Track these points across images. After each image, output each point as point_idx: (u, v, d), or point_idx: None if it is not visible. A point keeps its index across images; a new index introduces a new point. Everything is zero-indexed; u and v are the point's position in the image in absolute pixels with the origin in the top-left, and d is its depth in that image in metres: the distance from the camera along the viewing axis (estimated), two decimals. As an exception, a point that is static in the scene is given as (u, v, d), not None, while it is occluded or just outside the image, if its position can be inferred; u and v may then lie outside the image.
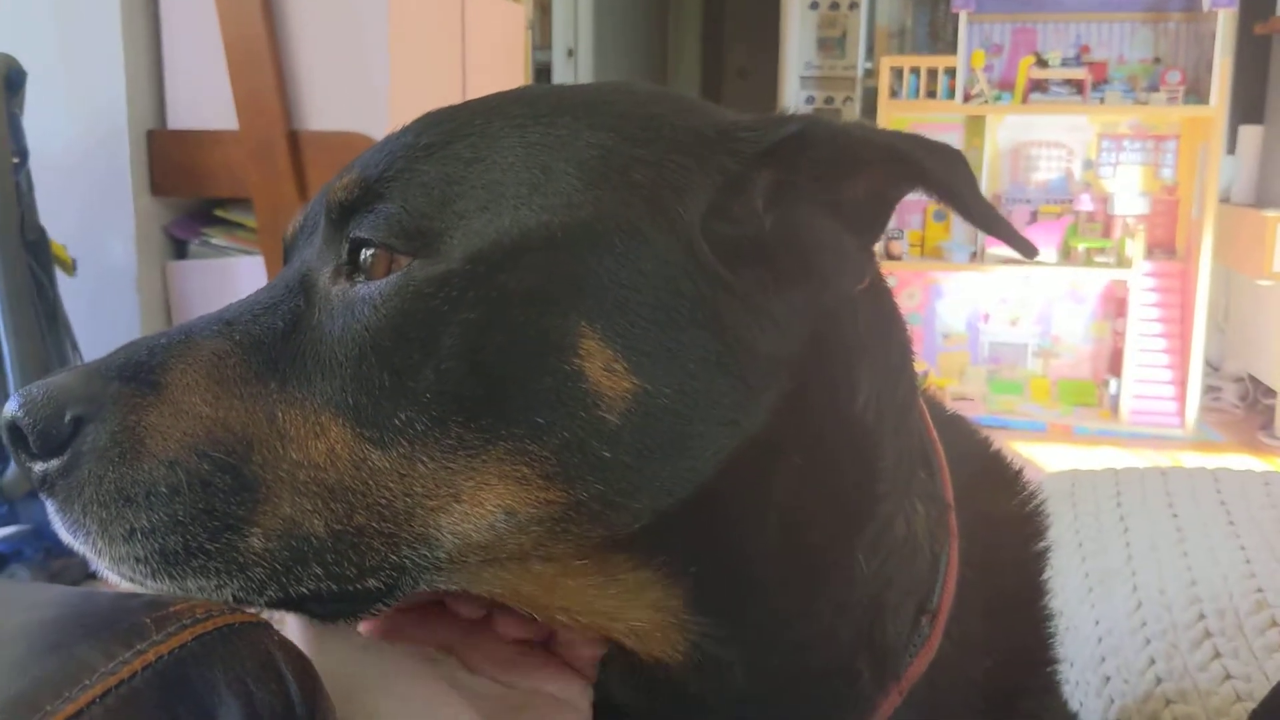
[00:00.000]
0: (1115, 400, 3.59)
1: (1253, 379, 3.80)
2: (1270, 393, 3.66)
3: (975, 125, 3.73)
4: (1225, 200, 3.64)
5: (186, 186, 2.49)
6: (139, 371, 0.51)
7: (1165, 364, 3.58)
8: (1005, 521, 0.68)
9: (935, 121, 3.72)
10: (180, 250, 2.53)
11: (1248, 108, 3.70)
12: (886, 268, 3.60)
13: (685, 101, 0.59)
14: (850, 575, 0.57)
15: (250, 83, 2.36)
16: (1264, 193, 3.72)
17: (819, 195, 0.54)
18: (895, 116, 3.65)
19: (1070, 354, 3.70)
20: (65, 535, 0.49)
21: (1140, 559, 1.14)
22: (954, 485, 0.64)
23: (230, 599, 0.47)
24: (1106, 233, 3.64)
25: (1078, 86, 3.50)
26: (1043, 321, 3.71)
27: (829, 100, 4.32)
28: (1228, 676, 0.93)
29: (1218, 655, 0.96)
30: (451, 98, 2.16)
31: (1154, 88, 3.48)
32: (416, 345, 0.50)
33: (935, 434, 0.66)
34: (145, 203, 2.46)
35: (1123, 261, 3.54)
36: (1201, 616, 1.02)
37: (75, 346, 2.22)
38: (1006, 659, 0.65)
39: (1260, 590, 1.04)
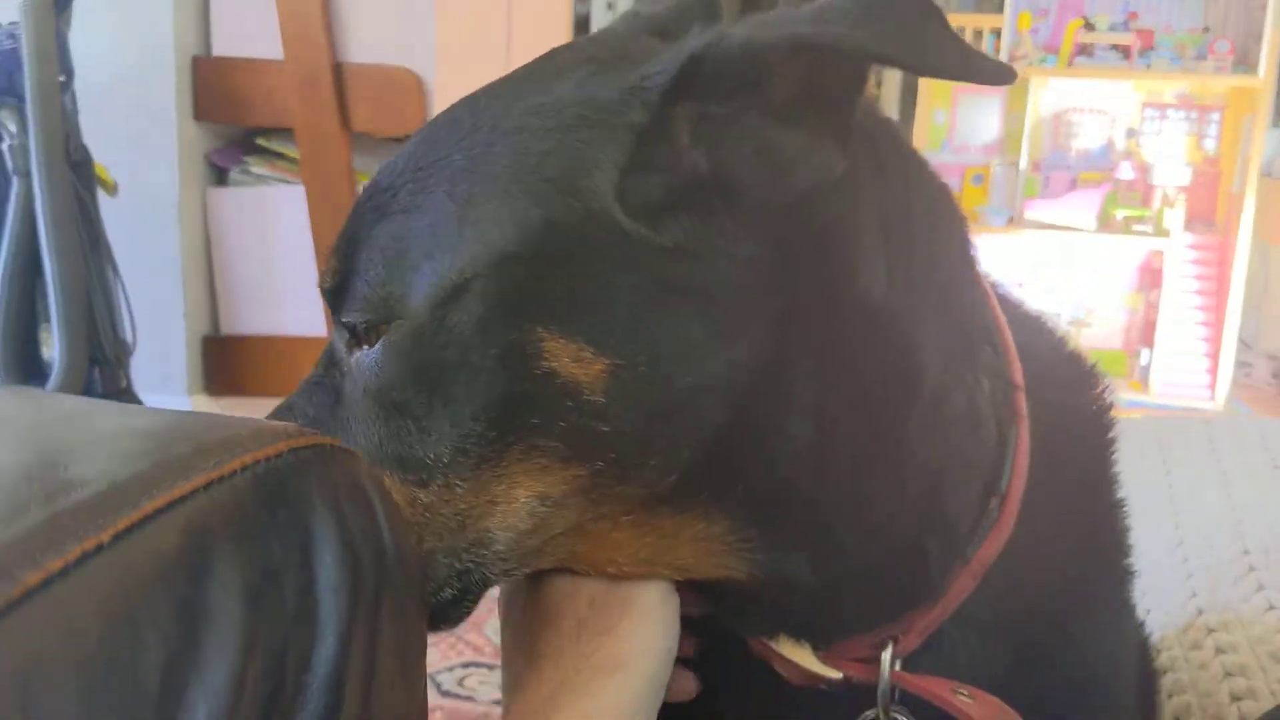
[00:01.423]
0: (1146, 371, 3.56)
1: (1286, 356, 3.77)
2: (1304, 370, 3.63)
3: (1018, 89, 3.68)
4: (1267, 174, 3.60)
5: (229, 114, 2.50)
6: None
7: (1199, 337, 3.55)
8: (1078, 412, 0.68)
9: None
10: (221, 177, 2.54)
11: (1296, 81, 3.64)
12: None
13: (603, 60, 0.58)
14: (902, 454, 0.58)
15: (296, 12, 2.36)
16: (1308, 168, 3.67)
17: (742, 112, 0.53)
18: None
19: (1103, 323, 3.67)
20: None
21: (1183, 499, 1.13)
22: (1027, 372, 0.64)
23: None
24: (1145, 202, 3.61)
25: (1124, 52, 3.46)
26: (1077, 289, 3.68)
27: (870, 60, 4.27)
28: (1270, 607, 0.93)
29: (1261, 588, 0.96)
30: (495, 38, 2.16)
31: (1202, 57, 3.43)
32: (419, 393, 0.55)
33: (1004, 319, 0.65)
34: (188, 129, 2.47)
35: (1161, 232, 3.50)
36: (1245, 552, 1.02)
37: (115, 269, 2.23)
38: (1081, 547, 0.65)
39: (1304, 530, 1.04)
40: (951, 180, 3.75)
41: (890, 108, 4.36)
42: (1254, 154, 3.38)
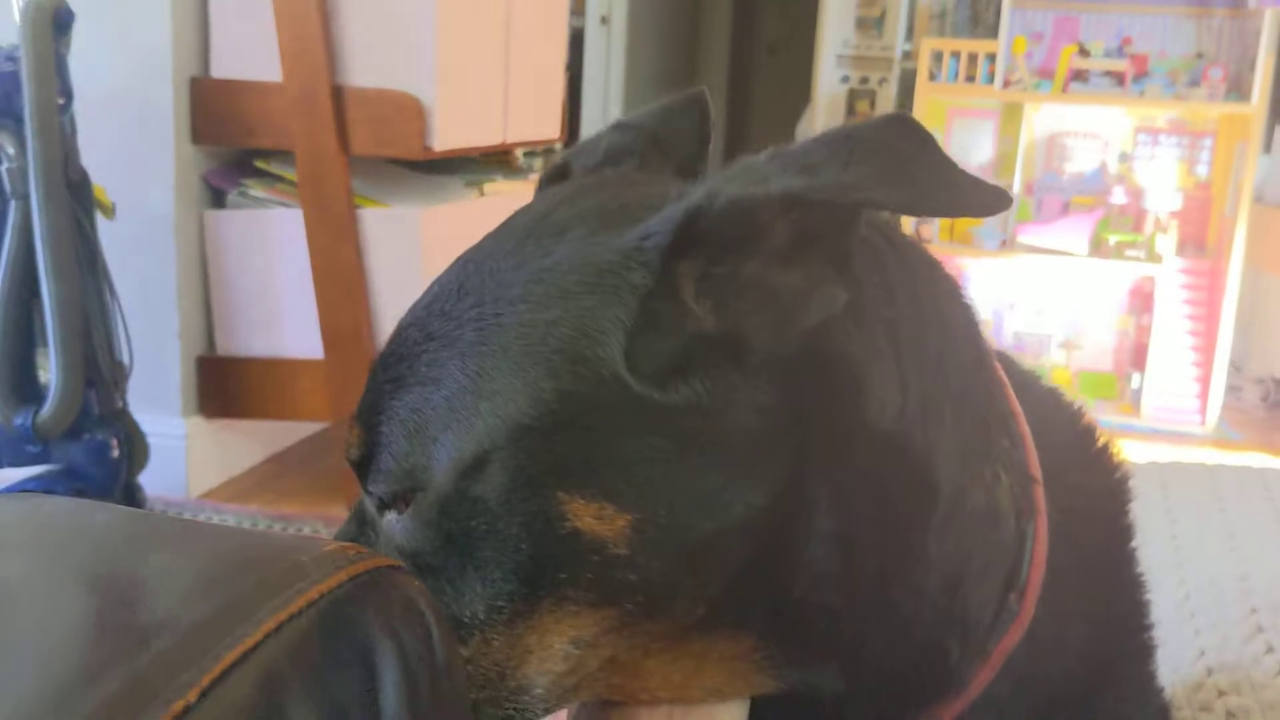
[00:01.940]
0: (1137, 395, 3.58)
1: (1275, 380, 3.79)
2: (1292, 395, 3.65)
3: (1012, 113, 3.71)
4: (1258, 200, 3.62)
5: (227, 136, 2.49)
6: None
7: (1189, 361, 3.57)
8: (1094, 494, 0.69)
9: (973, 107, 3.71)
10: (219, 199, 2.53)
11: (1287, 107, 3.68)
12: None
13: (600, 216, 0.59)
14: (922, 562, 0.58)
15: (296, 34, 2.35)
16: (1298, 194, 3.70)
17: (741, 265, 0.55)
18: (932, 99, 3.64)
19: (1094, 346, 3.70)
20: None
21: (1188, 551, 1.14)
22: (1043, 458, 0.64)
23: None
24: (1138, 227, 3.63)
25: (1118, 78, 3.48)
26: (1069, 312, 3.70)
27: (864, 80, 4.30)
28: (1281, 671, 0.94)
29: (1270, 650, 0.97)
30: (495, 60, 2.16)
31: (1195, 83, 3.46)
32: (449, 557, 0.56)
33: (1019, 407, 0.66)
34: (185, 150, 2.46)
35: (1152, 257, 3.53)
36: (1253, 610, 1.03)
37: (113, 291, 2.22)
38: (1102, 628, 0.66)
39: (1313, 588, 1.04)
40: (945, 202, 3.78)
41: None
42: (1246, 180, 3.41)
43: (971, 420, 0.61)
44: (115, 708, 0.29)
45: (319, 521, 2.43)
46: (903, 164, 0.54)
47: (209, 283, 2.54)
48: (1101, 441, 0.72)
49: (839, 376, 0.56)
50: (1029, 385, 0.71)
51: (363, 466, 0.60)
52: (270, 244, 2.50)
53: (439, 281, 0.62)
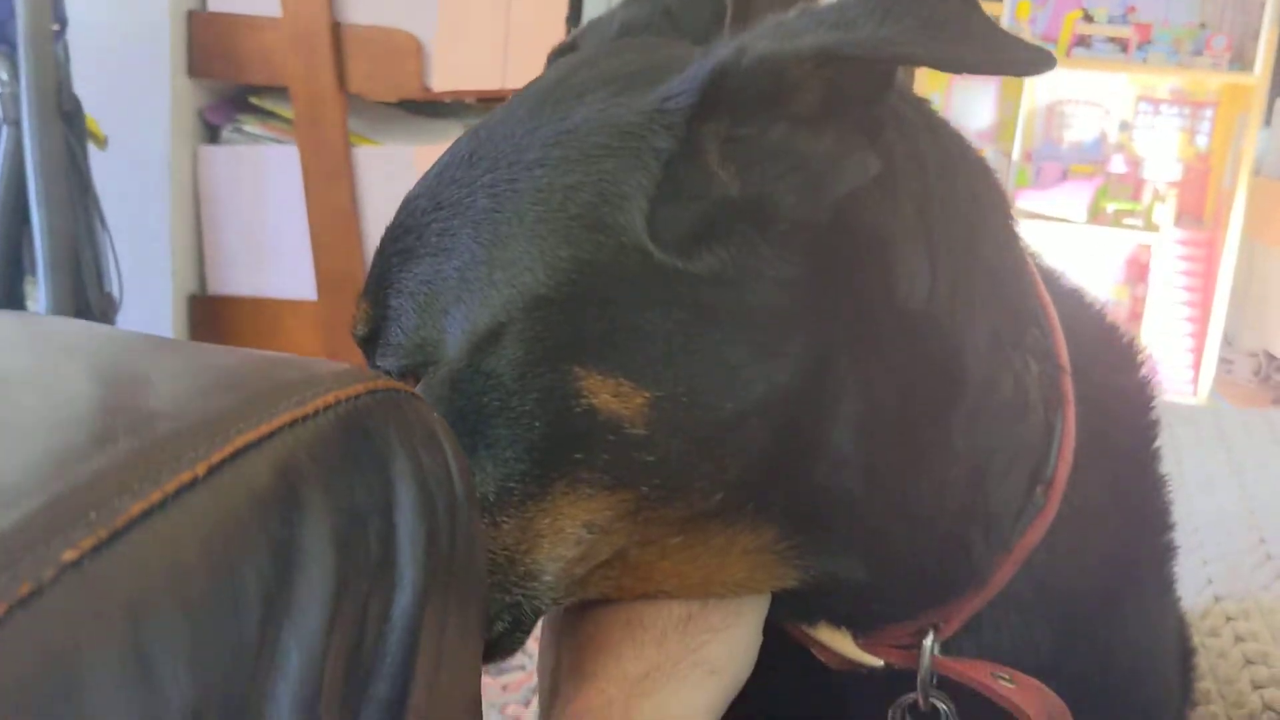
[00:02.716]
0: (1130, 364, 3.58)
1: (1268, 354, 3.79)
2: (1284, 369, 3.65)
3: (1013, 78, 3.68)
4: (1258, 173, 3.61)
5: (224, 71, 2.45)
6: None
7: (1184, 332, 3.57)
8: (1122, 390, 0.67)
9: (974, 70, 3.67)
10: (213, 135, 2.50)
11: (1288, 81, 3.66)
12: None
13: (621, 78, 0.56)
14: (948, 450, 0.57)
15: (295, -32, 2.32)
16: (1298, 167, 3.69)
17: (769, 127, 0.52)
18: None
19: (1089, 315, 3.68)
20: None
21: (1195, 486, 1.13)
22: (1072, 352, 0.63)
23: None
24: (1136, 196, 3.61)
25: (1122, 45, 3.46)
26: (1065, 281, 3.69)
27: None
28: (1291, 597, 0.93)
29: (1279, 576, 0.96)
30: (496, 3, 2.12)
31: (1198, 52, 3.43)
32: (461, 435, 0.52)
33: (1048, 296, 0.64)
34: (181, 84, 2.42)
35: (1150, 226, 3.51)
36: (1261, 540, 1.02)
37: (104, 222, 2.19)
38: (1124, 527, 0.64)
39: (1324, 520, 1.04)
40: (944, 167, 3.75)
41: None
42: (1246, 152, 3.39)
43: (1002, 305, 0.59)
44: (123, 469, 0.28)
45: (308, 463, 2.41)
46: (942, 21, 0.51)
47: (201, 220, 2.51)
48: (1126, 339, 0.71)
49: (868, 251, 0.54)
50: (1055, 279, 0.69)
51: (370, 342, 0.58)
52: (264, 182, 2.47)
53: (450, 150, 0.60)
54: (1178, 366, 3.57)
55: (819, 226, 0.53)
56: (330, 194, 2.40)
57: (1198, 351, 3.53)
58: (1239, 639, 0.89)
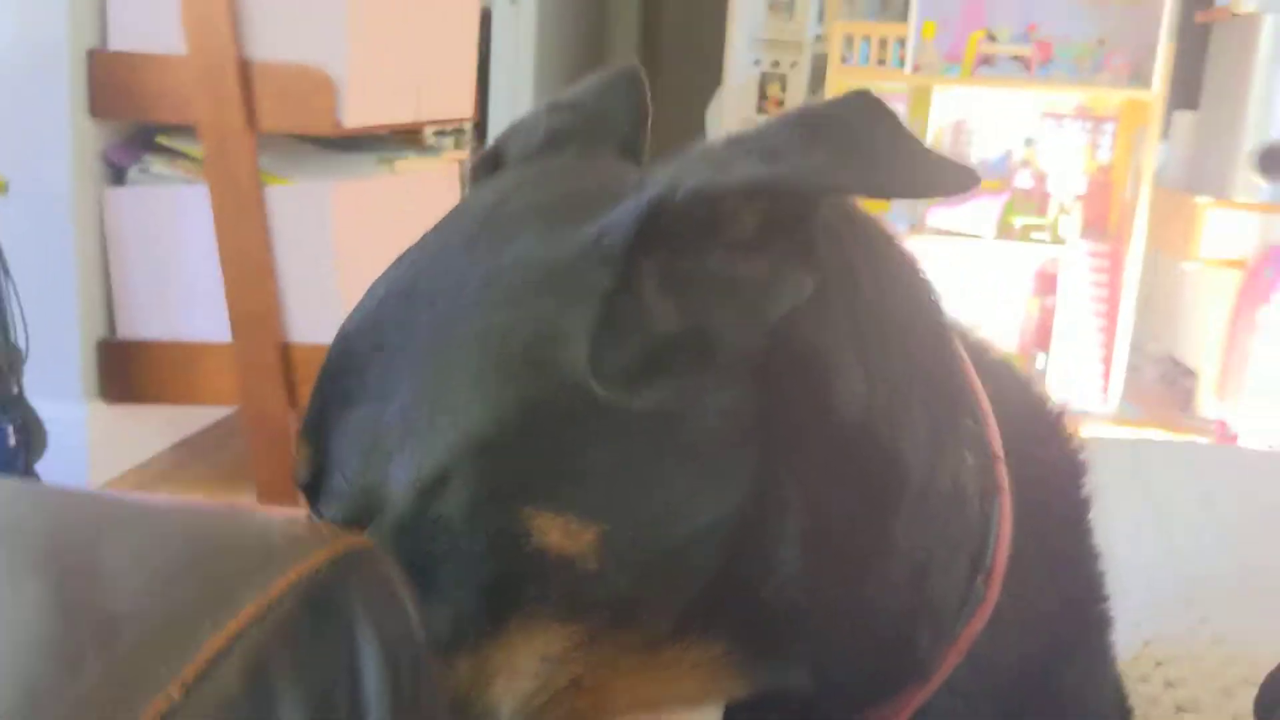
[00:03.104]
0: (1043, 375, 3.66)
1: (1172, 359, 3.90)
2: (1189, 374, 3.76)
3: (921, 96, 3.75)
4: (1158, 184, 3.72)
5: (128, 110, 2.40)
6: None
7: (1093, 341, 3.66)
8: (1054, 467, 0.68)
9: (883, 90, 3.74)
10: (119, 176, 2.44)
11: (1184, 94, 3.78)
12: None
13: (553, 209, 0.56)
14: (890, 553, 0.57)
15: (199, 5, 2.27)
16: (1194, 178, 3.80)
17: (704, 257, 0.52)
18: (844, 83, 3.65)
19: (1001, 328, 3.76)
20: None
21: (1117, 527, 1.16)
22: (1004, 433, 0.64)
23: None
24: (1042, 210, 3.70)
25: (1024, 63, 3.54)
26: (976, 295, 3.76)
27: (775, 64, 4.30)
28: (1217, 640, 0.95)
29: (1205, 620, 0.98)
30: (407, 35, 2.12)
31: (1098, 69, 3.53)
32: (413, 578, 0.50)
33: (978, 381, 0.65)
34: (83, 125, 2.36)
35: (1057, 239, 3.60)
36: (1187, 582, 1.04)
37: (7, 272, 2.13)
38: (1063, 604, 0.65)
39: (1243, 562, 1.07)
40: (856, 185, 3.81)
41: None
42: (1146, 165, 3.49)
43: (936, 402, 0.60)
44: (96, 703, 0.27)
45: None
46: (868, 145, 0.52)
47: (109, 263, 2.45)
48: (1055, 412, 0.72)
49: (806, 369, 0.55)
50: (981, 356, 0.70)
51: (312, 488, 0.56)
52: (174, 223, 2.42)
53: (383, 282, 0.58)
54: (1088, 375, 3.66)
55: (758, 352, 0.53)
56: (242, 234, 2.36)
57: (1107, 361, 3.62)
58: (1169, 684, 0.91)
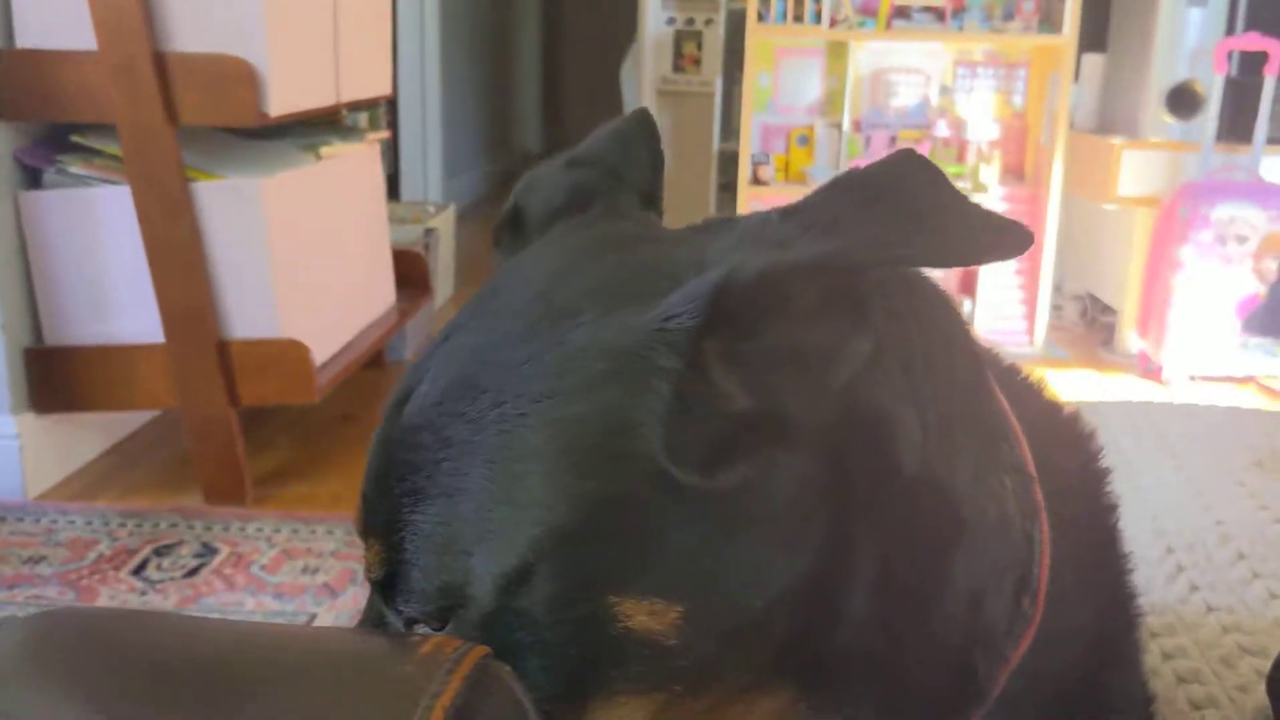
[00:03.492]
0: (970, 320, 3.72)
1: (1092, 298, 3.99)
2: (1108, 310, 3.86)
3: (838, 51, 3.76)
4: (1070, 127, 3.78)
5: (38, 111, 2.31)
6: None
7: (1016, 285, 3.73)
8: (1080, 476, 0.70)
9: (800, 46, 3.74)
10: (34, 179, 2.35)
11: (1091, 36, 3.84)
12: (754, 193, 3.54)
13: (609, 292, 0.56)
14: (950, 586, 0.58)
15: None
16: (1105, 119, 3.88)
17: (769, 335, 0.53)
18: (761, 39, 3.65)
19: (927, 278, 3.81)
20: None
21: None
22: (1033, 451, 0.65)
23: None
24: (961, 158, 3.75)
25: (938, 14, 3.57)
26: (902, 245, 3.80)
27: (690, 21, 4.28)
28: (1210, 609, 0.98)
29: (1195, 588, 1.01)
30: (324, 16, 2.09)
31: (1009, 17, 3.57)
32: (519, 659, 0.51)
33: (1005, 402, 0.66)
34: (-7, 128, 2.27)
35: (978, 186, 3.65)
36: (1170, 550, 1.07)
37: (-73, 286, 2.04)
38: (1102, 608, 0.67)
39: (1220, 523, 1.10)
40: (777, 142, 3.82)
41: (714, 71, 4.39)
42: (1060, 108, 3.55)
43: (980, 436, 0.61)
44: None
45: (175, 515, 2.31)
46: (921, 212, 0.52)
47: (30, 269, 2.37)
48: (1068, 414, 0.74)
49: (869, 428, 0.56)
50: (998, 368, 0.71)
51: (389, 586, 0.56)
52: (96, 224, 2.34)
53: (439, 375, 0.57)
54: (1013, 317, 3.74)
55: (827, 419, 0.54)
56: (170, 232, 2.29)
57: (1030, 302, 3.70)
58: (1167, 656, 0.94)
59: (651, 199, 0.70)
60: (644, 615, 0.51)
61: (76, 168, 2.34)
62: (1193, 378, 3.37)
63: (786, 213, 0.54)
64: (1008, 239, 0.52)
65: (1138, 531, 1.11)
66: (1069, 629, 0.65)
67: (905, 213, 0.51)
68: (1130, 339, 3.62)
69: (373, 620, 0.58)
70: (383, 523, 0.55)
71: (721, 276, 0.51)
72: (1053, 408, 0.73)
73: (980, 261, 0.53)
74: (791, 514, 0.54)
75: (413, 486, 0.54)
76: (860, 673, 0.58)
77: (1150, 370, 3.45)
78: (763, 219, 0.55)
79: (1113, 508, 0.71)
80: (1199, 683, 0.90)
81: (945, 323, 0.62)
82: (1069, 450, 0.70)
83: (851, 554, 0.55)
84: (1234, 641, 0.93)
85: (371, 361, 3.20)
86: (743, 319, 0.52)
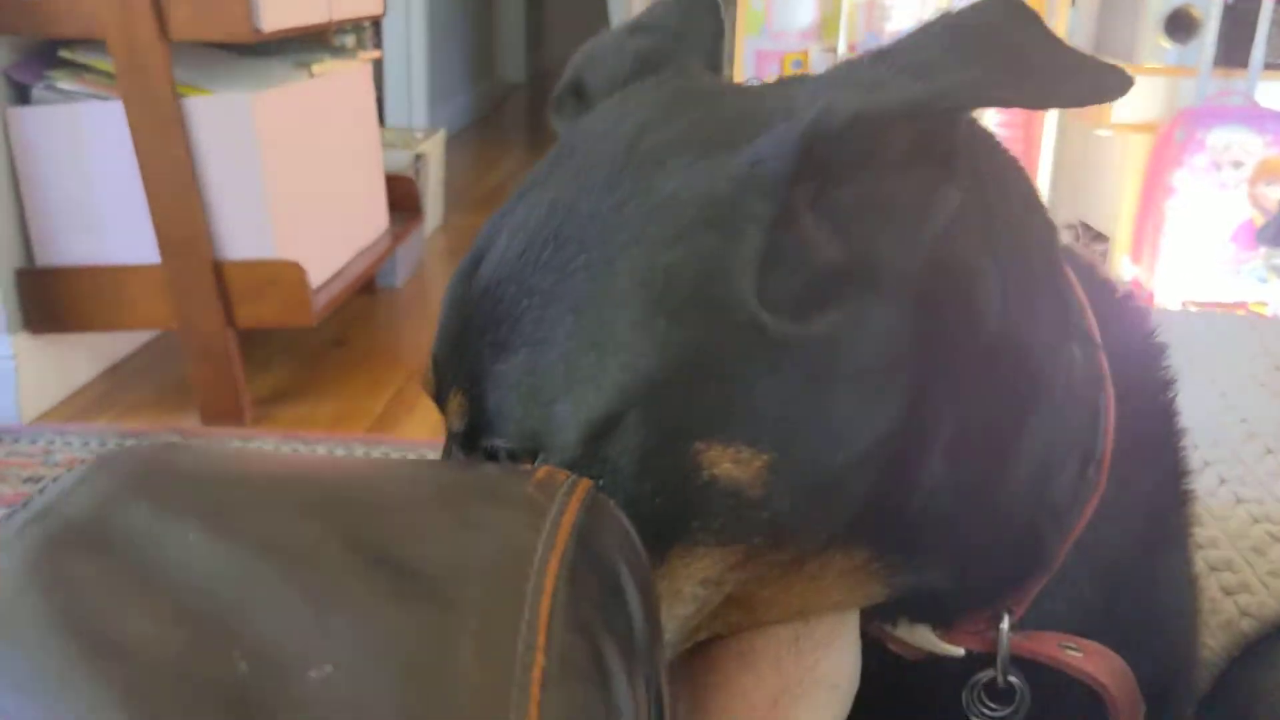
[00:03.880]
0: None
1: (1084, 225, 3.99)
2: (1101, 238, 3.86)
3: (833, -27, 3.72)
4: (1065, 52, 3.76)
5: (27, 26, 2.25)
6: None
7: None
8: (1139, 348, 0.70)
9: (795, -32, 3.69)
10: (23, 95, 2.31)
11: (1088, -40, 3.80)
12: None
13: (698, 139, 0.55)
14: (1021, 453, 0.58)
15: (96, -92, 2.13)
16: (1102, 44, 3.85)
17: (860, 182, 0.52)
18: (755, -38, 3.60)
19: (920, 203, 3.80)
20: None
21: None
22: (1096, 320, 0.65)
23: None
24: (956, 83, 3.72)
25: (935, -65, 3.52)
26: (895, 171, 3.79)
27: (681, -56, 4.21)
28: (1239, 500, 0.99)
29: (1223, 481, 1.02)
30: None
31: (1007, -62, 3.53)
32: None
33: (1071, 272, 0.66)
34: (-21, 42, 2.22)
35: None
36: (1195, 446, 1.08)
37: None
38: (1160, 482, 0.68)
39: (1245, 420, 1.10)
40: (771, 67, 3.77)
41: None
42: (1058, 32, 3.51)
43: (1053, 301, 0.60)
44: (483, 691, 0.26)
45: (173, 434, 2.30)
46: (1020, 54, 0.51)
47: (20, 188, 2.33)
48: (1124, 291, 0.73)
49: (954, 281, 0.55)
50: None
51: (470, 435, 0.55)
52: (87, 141, 2.30)
53: (517, 230, 0.56)
54: (1005, 245, 3.74)
55: (916, 271, 0.53)
56: (163, 149, 2.25)
57: (1023, 229, 3.69)
58: (1199, 547, 0.94)
59: (714, 66, 0.69)
60: (729, 464, 0.51)
61: (66, 83, 2.30)
62: (1185, 304, 3.38)
63: (877, 56, 0.53)
64: (1109, 80, 0.51)
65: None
66: (1128, 501, 0.65)
67: (1003, 54, 0.50)
68: (1123, 266, 3.63)
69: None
70: (465, 375, 0.54)
71: (812, 119, 0.50)
72: (1110, 284, 0.73)
73: (1083, 103, 0.52)
74: (877, 367, 0.53)
75: (496, 339, 0.53)
76: (933, 536, 0.57)
77: (1143, 296, 3.46)
78: (850, 64, 0.53)
79: (1170, 383, 0.71)
80: (1230, 570, 0.91)
81: (1022, 185, 0.61)
82: (1128, 324, 0.70)
83: (932, 413, 0.55)
84: (1264, 531, 0.94)
85: (364, 288, 3.18)
86: (834, 164, 0.51)
